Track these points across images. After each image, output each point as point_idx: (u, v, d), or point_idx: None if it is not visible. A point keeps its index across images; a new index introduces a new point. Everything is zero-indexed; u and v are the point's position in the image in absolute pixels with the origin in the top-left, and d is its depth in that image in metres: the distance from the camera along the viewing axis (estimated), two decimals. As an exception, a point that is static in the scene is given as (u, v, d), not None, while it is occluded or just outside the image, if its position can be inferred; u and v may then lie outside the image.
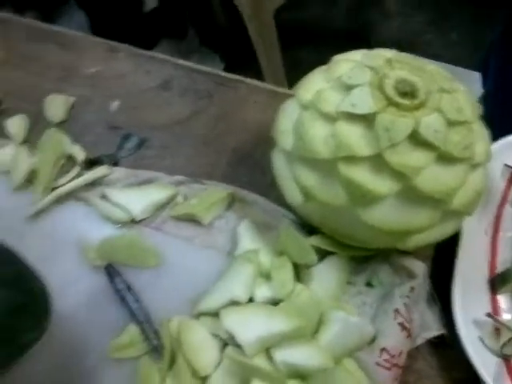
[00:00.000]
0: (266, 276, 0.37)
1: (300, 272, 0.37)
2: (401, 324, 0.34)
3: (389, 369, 0.33)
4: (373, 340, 0.34)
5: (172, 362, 0.34)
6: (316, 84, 0.35)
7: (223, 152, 0.46)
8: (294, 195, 0.35)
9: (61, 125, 0.46)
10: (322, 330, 0.33)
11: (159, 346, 0.34)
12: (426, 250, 0.39)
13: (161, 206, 0.42)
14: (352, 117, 0.31)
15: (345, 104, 0.32)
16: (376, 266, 0.38)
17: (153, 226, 0.41)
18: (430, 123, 0.30)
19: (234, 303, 0.35)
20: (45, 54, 0.52)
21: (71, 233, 0.40)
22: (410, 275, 0.37)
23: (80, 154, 0.43)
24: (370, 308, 0.36)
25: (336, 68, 0.35)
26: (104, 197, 0.41)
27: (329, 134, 0.32)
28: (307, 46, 1.35)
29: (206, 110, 0.49)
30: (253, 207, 0.42)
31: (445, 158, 0.31)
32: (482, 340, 0.35)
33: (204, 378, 0.32)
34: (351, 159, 0.31)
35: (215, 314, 0.35)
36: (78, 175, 0.43)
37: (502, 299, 0.37)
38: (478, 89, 0.77)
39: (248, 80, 0.51)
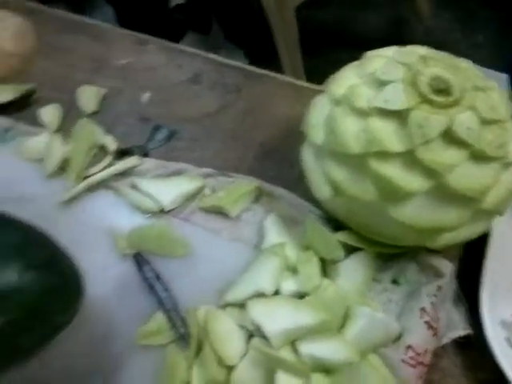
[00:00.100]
0: (292, 270, 0.37)
1: (326, 267, 0.37)
2: (427, 322, 0.34)
3: (414, 366, 0.33)
4: (398, 337, 0.34)
5: (198, 350, 0.34)
6: (348, 79, 0.35)
7: (251, 146, 0.46)
8: (322, 189, 0.35)
9: (93, 115, 0.47)
10: (347, 324, 0.34)
11: (186, 335, 0.35)
12: (453, 250, 0.39)
13: (189, 198, 0.42)
14: (385, 113, 0.31)
15: (378, 100, 0.32)
16: (403, 263, 0.38)
17: (181, 217, 0.41)
18: (463, 121, 0.30)
19: (261, 295, 0.35)
20: (76, 45, 0.53)
21: (101, 221, 0.41)
22: (438, 274, 0.37)
23: (111, 144, 0.44)
24: (396, 306, 0.36)
25: (369, 64, 0.35)
26: (134, 186, 0.42)
27: (361, 129, 0.32)
28: (333, 45, 1.35)
29: (234, 103, 0.49)
30: (279, 201, 0.42)
31: (478, 157, 0.31)
32: (509, 341, 0.34)
33: (230, 368, 0.33)
34: (383, 155, 0.31)
35: (241, 306, 0.35)
36: (110, 165, 0.43)
37: (530, 301, 0.37)
38: (505, 90, 0.76)
39: (276, 75, 0.51)
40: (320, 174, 0.35)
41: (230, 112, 0.48)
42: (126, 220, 0.41)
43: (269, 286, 0.35)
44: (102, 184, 0.43)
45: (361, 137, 0.32)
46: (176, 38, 1.46)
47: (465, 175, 0.30)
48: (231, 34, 1.51)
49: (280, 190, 0.43)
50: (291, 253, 0.37)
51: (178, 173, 0.44)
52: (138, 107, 0.48)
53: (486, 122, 0.31)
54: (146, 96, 0.49)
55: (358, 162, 0.32)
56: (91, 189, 0.42)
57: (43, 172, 0.43)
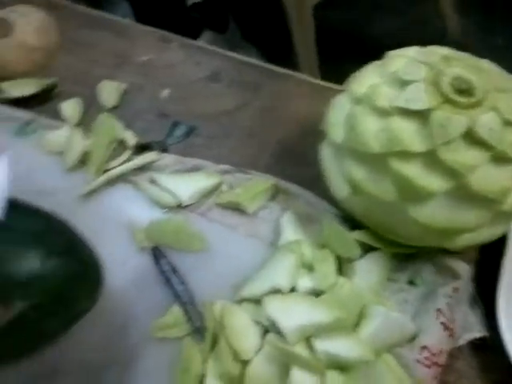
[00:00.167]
0: (308, 267, 0.37)
1: (342, 265, 0.37)
2: (443, 323, 0.34)
3: (429, 366, 0.33)
4: (413, 337, 0.34)
5: (214, 344, 0.35)
6: (369, 79, 0.35)
7: (268, 144, 0.47)
8: (340, 188, 0.35)
9: (113, 110, 0.48)
10: (362, 323, 0.34)
11: (202, 328, 0.35)
12: (471, 252, 0.39)
13: (207, 194, 0.43)
14: (406, 112, 0.31)
15: (399, 99, 0.32)
16: (419, 264, 0.38)
17: (198, 212, 0.42)
18: (485, 122, 0.30)
19: (277, 292, 0.35)
20: (98, 40, 0.54)
21: (120, 214, 0.42)
22: (454, 276, 0.37)
23: (131, 139, 0.45)
24: (411, 306, 0.36)
25: (390, 63, 0.35)
26: (153, 181, 0.43)
27: (381, 128, 0.32)
28: (349, 45, 1.34)
29: (252, 101, 0.49)
30: (296, 199, 0.42)
31: (499, 158, 0.30)
32: (525, 345, 0.34)
33: (245, 362, 0.33)
34: (403, 154, 0.31)
35: (257, 301, 0.36)
36: (129, 159, 0.44)
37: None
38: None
39: (295, 73, 0.52)
40: (338, 173, 0.35)
41: (248, 110, 0.49)
42: (144, 214, 0.42)
43: (285, 282, 0.35)
44: (122, 178, 0.43)
45: (381, 136, 0.32)
46: (193, 36, 1.47)
47: (485, 176, 0.30)
48: (248, 33, 1.52)
49: (297, 189, 0.43)
50: (307, 250, 0.37)
51: (195, 169, 0.44)
52: (158, 103, 0.49)
53: (508, 124, 0.31)
54: (165, 92, 0.50)
55: (377, 161, 0.32)
56: (111, 182, 0.43)
57: (64, 165, 0.44)
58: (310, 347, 0.33)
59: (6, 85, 0.49)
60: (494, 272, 0.37)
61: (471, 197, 0.31)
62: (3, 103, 0.49)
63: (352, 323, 0.34)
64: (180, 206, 0.42)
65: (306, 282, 0.36)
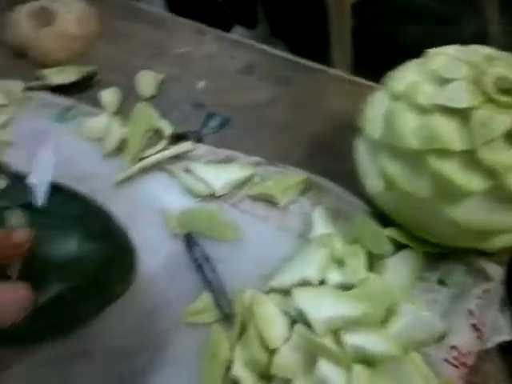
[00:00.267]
0: (338, 262, 0.37)
1: (372, 262, 0.37)
2: (473, 325, 0.34)
3: (456, 366, 0.33)
4: (442, 337, 0.34)
5: (242, 331, 0.35)
6: (409, 76, 0.35)
7: (300, 138, 0.47)
8: (374, 184, 0.35)
9: (150, 100, 0.49)
10: (391, 319, 0.34)
11: (231, 315, 0.36)
12: (504, 254, 0.38)
13: (239, 185, 0.43)
14: (447, 110, 0.31)
15: (440, 97, 0.32)
16: (450, 264, 0.37)
17: (230, 203, 0.42)
18: (528, 123, 0.30)
19: (306, 283, 0.36)
20: (138, 32, 0.55)
21: (154, 201, 0.43)
22: (486, 278, 0.36)
23: (167, 128, 0.46)
24: (441, 306, 0.36)
25: (431, 61, 0.35)
26: (187, 170, 0.43)
27: (420, 125, 0.32)
28: (384, 45, 1.33)
29: (285, 95, 0.50)
30: (327, 194, 0.43)
31: (540, 160, 0.30)
32: (556, 350, 0.34)
33: (272, 351, 0.33)
34: (442, 152, 0.31)
35: (285, 292, 0.36)
36: (164, 148, 0.45)
37: None
38: None
39: (329, 69, 0.52)
40: (373, 168, 0.35)
41: (282, 103, 0.49)
42: (177, 202, 0.42)
43: (315, 275, 0.35)
44: (157, 166, 0.44)
45: (420, 133, 0.32)
46: (223, 30, 1.48)
47: (525, 178, 0.30)
48: (278, 29, 1.52)
49: (328, 184, 0.43)
50: (338, 245, 0.38)
51: (228, 160, 0.45)
52: (194, 94, 0.50)
53: (550, 125, 0.30)
54: (201, 84, 0.50)
55: (415, 158, 0.32)
56: (146, 170, 0.44)
57: (101, 152, 0.45)
58: (338, 340, 0.33)
59: (47, 72, 0.51)
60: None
61: (509, 198, 0.30)
62: (45, 90, 0.50)
63: (380, 319, 0.34)
64: (213, 196, 0.43)
65: (335, 276, 0.36)
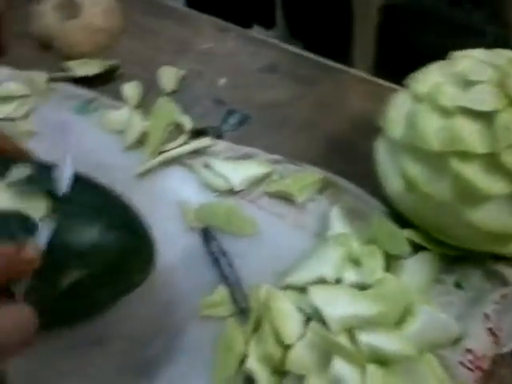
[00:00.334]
0: (355, 261, 0.37)
1: (389, 262, 0.37)
2: (489, 329, 0.34)
3: (472, 370, 0.33)
4: (458, 340, 0.34)
5: (257, 326, 0.35)
6: (433, 77, 0.35)
7: (320, 137, 0.47)
8: (394, 184, 0.36)
9: (171, 95, 0.49)
10: (407, 320, 0.34)
11: (246, 310, 0.36)
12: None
13: (257, 181, 0.43)
14: (470, 112, 0.31)
15: (464, 99, 0.32)
16: (468, 268, 0.37)
17: (248, 199, 0.43)
18: (552, 128, 0.30)
19: (322, 281, 0.36)
20: (161, 27, 0.55)
21: (173, 194, 0.43)
22: (504, 282, 0.36)
23: (188, 123, 0.46)
24: (457, 309, 0.36)
25: (455, 63, 0.35)
26: (206, 165, 0.44)
27: (443, 127, 0.32)
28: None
29: (307, 95, 0.50)
30: (345, 194, 0.43)
31: None
32: None
33: (287, 347, 0.33)
34: (464, 155, 0.31)
35: (301, 289, 0.36)
36: (184, 143, 0.45)
37: None
38: None
39: (351, 70, 0.52)
40: (394, 169, 0.35)
41: (303, 102, 0.49)
42: (195, 196, 0.43)
43: (331, 273, 0.36)
44: (176, 160, 0.45)
45: (442, 135, 0.32)
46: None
47: (548, 183, 0.30)
48: (297, 29, 1.52)
49: (346, 183, 0.43)
50: (355, 245, 0.38)
51: (247, 157, 0.45)
52: (215, 91, 0.50)
53: None
54: (222, 81, 0.51)
55: (436, 160, 0.32)
56: (165, 164, 0.44)
57: (122, 144, 0.46)
58: (352, 339, 0.33)
59: (71, 64, 0.52)
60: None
61: (531, 202, 0.30)
62: (68, 81, 0.51)
63: (396, 319, 0.34)
64: (231, 192, 0.43)
65: (351, 276, 0.36)
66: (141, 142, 0.46)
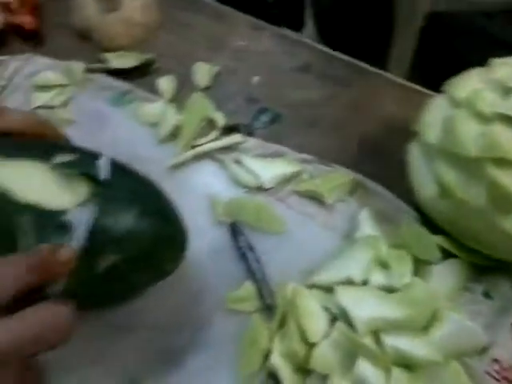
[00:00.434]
0: (383, 264, 0.37)
1: (417, 267, 0.37)
2: (517, 339, 0.33)
3: (498, 380, 0.32)
4: (485, 350, 0.33)
5: (282, 323, 0.36)
6: (472, 83, 0.35)
7: (351, 139, 0.47)
8: (428, 189, 0.35)
9: (205, 90, 0.50)
10: (434, 326, 0.33)
11: (272, 306, 0.36)
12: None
13: (287, 180, 0.44)
14: (508, 119, 0.31)
15: (503, 106, 0.31)
16: (497, 277, 0.37)
17: (277, 197, 0.43)
18: None
19: (349, 282, 0.36)
20: (198, 23, 0.56)
21: (203, 188, 0.44)
22: (534, 294, 0.36)
23: (220, 119, 0.47)
24: (484, 318, 0.36)
25: (495, 70, 0.34)
26: (237, 161, 0.44)
27: (481, 133, 0.32)
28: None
29: (340, 96, 0.50)
30: (374, 197, 0.43)
31: None
32: None
33: (311, 345, 0.34)
34: (501, 162, 0.30)
35: (327, 289, 0.36)
36: (216, 138, 0.46)
37: None
38: None
39: (386, 73, 0.51)
40: (427, 174, 0.35)
41: (335, 104, 0.49)
42: (224, 191, 0.43)
43: (359, 275, 0.36)
44: (208, 155, 0.45)
45: (480, 141, 0.31)
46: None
47: None
48: (326, 32, 1.51)
49: (376, 186, 0.43)
50: (383, 248, 0.38)
51: (277, 155, 0.46)
52: (248, 88, 0.50)
53: None
54: (256, 79, 0.51)
55: (472, 166, 0.32)
56: (197, 158, 0.45)
57: (155, 137, 0.47)
58: (377, 341, 0.33)
59: (109, 56, 0.52)
60: None
61: None
62: (104, 73, 0.52)
63: (423, 324, 0.33)
64: (260, 188, 0.43)
65: (379, 278, 0.36)
66: (174, 135, 0.46)
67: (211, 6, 0.58)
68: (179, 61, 0.53)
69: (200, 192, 0.43)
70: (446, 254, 0.37)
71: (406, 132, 0.40)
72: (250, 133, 0.47)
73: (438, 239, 0.37)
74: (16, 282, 0.24)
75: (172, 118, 0.46)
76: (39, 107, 0.50)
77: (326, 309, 0.36)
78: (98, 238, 0.29)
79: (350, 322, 0.34)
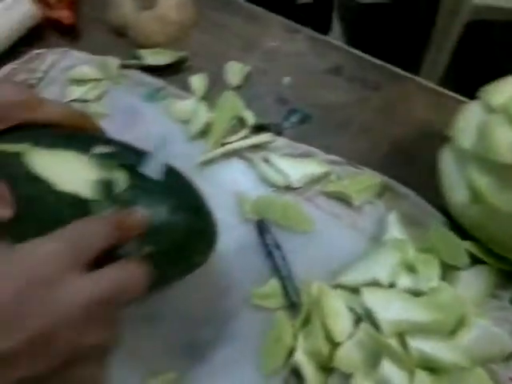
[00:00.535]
0: (410, 268, 0.37)
1: (445, 272, 0.37)
2: (545, 349, 0.33)
3: (523, 388, 0.32)
4: (510, 356, 0.33)
5: (306, 321, 0.36)
6: (509, 90, 0.34)
7: (381, 142, 0.47)
8: (458, 195, 0.35)
9: (236, 89, 0.51)
10: (460, 331, 0.33)
11: (297, 304, 0.36)
12: None
13: (315, 180, 0.44)
14: (546, 128, 0.31)
15: (540, 114, 0.31)
16: (525, 286, 0.37)
17: (305, 197, 0.43)
18: None
19: (375, 284, 0.36)
20: (231, 23, 0.57)
21: (231, 185, 0.44)
22: None
23: (250, 118, 0.47)
24: (511, 325, 0.35)
25: (532, 78, 0.34)
26: (266, 160, 0.45)
27: (516, 140, 0.31)
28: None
29: (370, 99, 0.50)
30: (403, 200, 0.43)
31: None
32: None
33: (336, 344, 0.34)
34: (537, 169, 0.30)
35: (353, 290, 0.37)
36: (246, 137, 0.46)
37: None
38: None
39: (416, 78, 0.51)
40: (460, 179, 0.35)
41: (366, 106, 0.49)
42: (252, 189, 0.44)
43: (386, 277, 0.36)
44: (237, 153, 0.46)
45: (515, 147, 0.31)
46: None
47: None
48: (354, 36, 1.51)
49: (404, 189, 0.43)
50: (411, 251, 0.38)
51: (305, 155, 0.46)
52: (278, 89, 0.51)
53: None
54: (286, 79, 0.52)
55: (506, 172, 0.32)
56: (226, 155, 0.46)
57: (186, 133, 0.47)
58: (402, 343, 0.33)
59: (143, 52, 0.54)
60: None
61: None
62: (139, 69, 0.53)
63: (449, 329, 0.34)
64: (288, 188, 0.44)
65: (405, 281, 0.36)
66: (204, 132, 0.47)
67: (245, 7, 0.59)
68: (212, 59, 0.53)
69: (228, 189, 0.44)
70: (474, 260, 0.37)
71: (436, 137, 0.40)
72: (279, 132, 0.47)
73: (467, 244, 0.37)
74: (103, 240, 0.26)
75: (203, 115, 0.47)
76: (74, 100, 0.51)
77: (351, 309, 0.36)
78: None
79: (374, 324, 0.34)
